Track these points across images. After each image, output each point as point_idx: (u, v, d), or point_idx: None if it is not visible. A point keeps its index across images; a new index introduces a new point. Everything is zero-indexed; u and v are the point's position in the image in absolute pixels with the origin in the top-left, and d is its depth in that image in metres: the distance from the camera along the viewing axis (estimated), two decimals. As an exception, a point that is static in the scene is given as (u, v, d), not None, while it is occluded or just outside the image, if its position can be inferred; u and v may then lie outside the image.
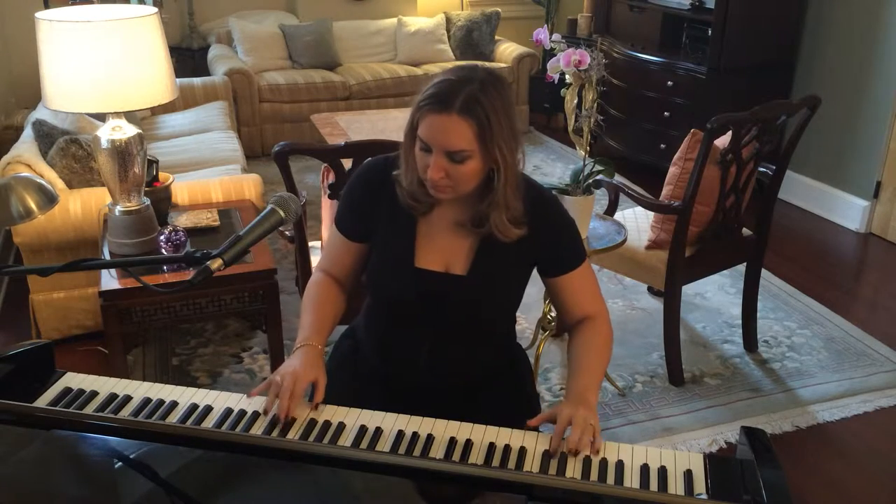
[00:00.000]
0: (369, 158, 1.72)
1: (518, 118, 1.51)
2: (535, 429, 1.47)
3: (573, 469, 1.34)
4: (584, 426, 1.40)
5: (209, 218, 2.83)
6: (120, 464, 1.24)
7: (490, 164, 1.49)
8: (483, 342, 1.70)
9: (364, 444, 1.39)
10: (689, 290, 3.42)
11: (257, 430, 1.42)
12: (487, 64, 5.82)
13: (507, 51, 5.98)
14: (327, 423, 1.44)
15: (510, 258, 1.60)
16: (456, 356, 1.67)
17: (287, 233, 2.69)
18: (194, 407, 1.47)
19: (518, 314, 3.08)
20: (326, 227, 2.59)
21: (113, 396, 1.50)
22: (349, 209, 1.68)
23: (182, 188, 3.06)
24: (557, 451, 1.37)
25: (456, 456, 1.36)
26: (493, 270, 1.60)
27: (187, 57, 5.92)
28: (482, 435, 1.42)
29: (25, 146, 3.16)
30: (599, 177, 2.62)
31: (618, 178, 2.93)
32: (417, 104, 1.47)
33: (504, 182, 1.50)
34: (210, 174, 3.53)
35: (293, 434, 1.40)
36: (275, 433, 1.40)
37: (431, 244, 1.62)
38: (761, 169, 2.92)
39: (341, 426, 1.43)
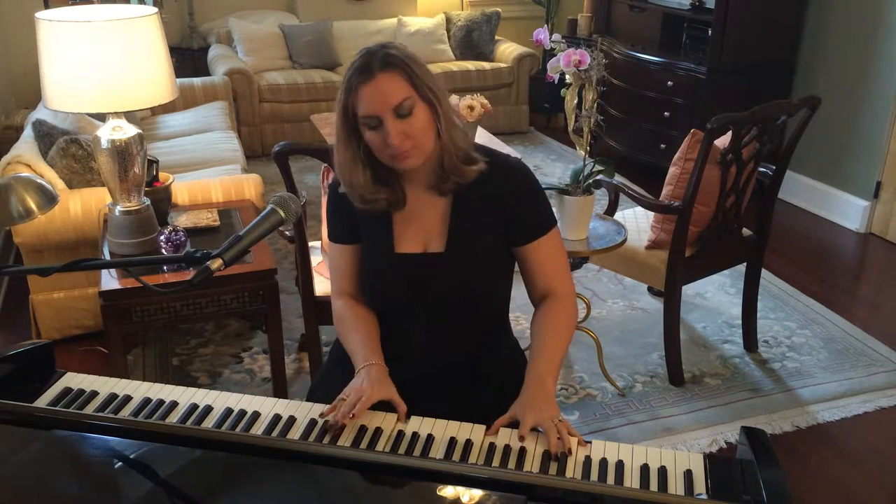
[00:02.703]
0: None
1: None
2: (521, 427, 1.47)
3: (573, 469, 1.34)
4: (558, 426, 1.41)
5: (209, 218, 2.83)
6: (120, 464, 1.24)
7: (431, 108, 1.53)
8: (475, 329, 1.70)
9: (364, 444, 1.39)
10: (689, 290, 3.42)
11: (257, 430, 1.42)
12: (486, 64, 5.87)
13: (507, 51, 5.98)
14: (327, 423, 1.44)
15: (483, 227, 1.63)
16: (450, 346, 1.67)
17: (287, 233, 2.69)
18: (194, 407, 1.47)
19: (518, 313, 3.11)
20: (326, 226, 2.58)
21: (113, 396, 1.50)
22: (334, 215, 1.72)
23: (182, 188, 3.06)
24: (522, 440, 1.39)
25: (456, 456, 1.36)
26: (469, 242, 1.63)
27: (187, 57, 5.92)
28: (482, 435, 1.42)
29: (25, 146, 3.16)
30: (599, 177, 2.62)
31: (618, 178, 2.93)
32: (345, 91, 1.52)
33: (443, 117, 1.54)
34: (210, 174, 3.53)
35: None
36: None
37: (408, 228, 1.65)
38: (761, 169, 2.92)
39: (338, 431, 1.43)
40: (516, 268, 1.74)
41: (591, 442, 1.40)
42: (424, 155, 1.55)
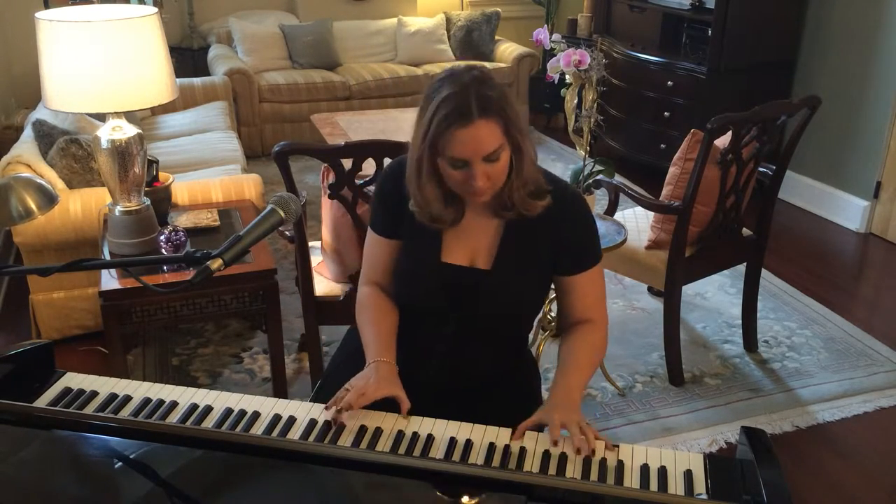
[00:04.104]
0: (397, 157, 1.71)
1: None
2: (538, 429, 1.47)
3: (573, 469, 1.34)
4: (585, 429, 1.41)
5: (209, 218, 2.83)
6: (120, 464, 1.24)
7: (515, 151, 1.51)
8: (500, 345, 1.71)
9: (364, 444, 1.39)
10: (689, 290, 3.42)
11: (257, 430, 1.42)
12: (487, 64, 5.86)
13: (507, 51, 5.98)
14: (328, 423, 1.44)
15: (533, 252, 1.62)
16: (472, 357, 1.67)
17: (287, 233, 2.69)
18: (194, 407, 1.47)
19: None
20: (326, 226, 2.59)
21: (113, 396, 1.50)
22: (381, 207, 1.70)
23: (182, 188, 3.06)
24: (556, 441, 1.38)
25: (456, 456, 1.36)
26: (517, 265, 1.61)
27: (187, 57, 5.92)
28: (482, 435, 1.42)
29: (25, 146, 3.16)
30: (599, 177, 2.63)
31: (618, 178, 2.93)
32: (436, 129, 1.45)
33: (526, 162, 1.52)
34: (210, 174, 3.53)
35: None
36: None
37: (457, 240, 1.63)
38: (761, 169, 2.92)
39: (341, 426, 1.43)
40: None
41: (618, 446, 1.40)
42: (496, 190, 1.54)
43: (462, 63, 1.56)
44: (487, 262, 1.62)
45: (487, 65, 5.86)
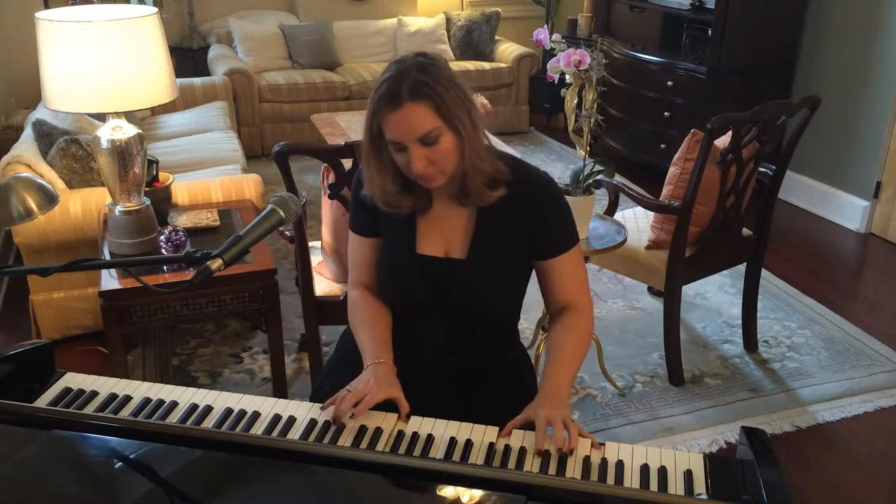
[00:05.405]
0: None
1: (465, 84, 1.56)
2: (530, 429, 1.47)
3: (573, 469, 1.34)
4: (569, 426, 1.41)
5: (209, 218, 2.83)
6: (120, 464, 1.24)
7: (458, 136, 1.51)
8: (487, 334, 1.71)
9: (364, 444, 1.39)
10: (689, 290, 3.42)
11: (257, 430, 1.42)
12: (486, 64, 5.87)
13: (507, 51, 5.98)
14: (328, 423, 1.44)
15: (506, 239, 1.63)
16: (461, 350, 1.68)
17: (287, 233, 2.69)
18: (194, 407, 1.47)
19: (522, 317, 3.09)
20: (326, 226, 2.59)
21: (113, 396, 1.50)
22: (357, 208, 1.72)
23: (182, 188, 3.06)
24: (541, 449, 1.37)
25: (456, 456, 1.36)
26: (491, 252, 1.63)
27: (187, 57, 5.93)
28: (482, 435, 1.42)
29: (25, 146, 3.16)
30: (599, 177, 2.62)
31: (618, 178, 2.93)
32: (372, 113, 1.50)
33: (468, 146, 1.53)
34: (210, 174, 3.53)
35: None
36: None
37: (430, 231, 1.65)
38: (761, 169, 2.92)
39: (341, 425, 1.43)
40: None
41: (604, 444, 1.40)
42: (448, 176, 1.55)
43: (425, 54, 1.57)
44: (461, 251, 1.64)
45: (487, 65, 5.87)
